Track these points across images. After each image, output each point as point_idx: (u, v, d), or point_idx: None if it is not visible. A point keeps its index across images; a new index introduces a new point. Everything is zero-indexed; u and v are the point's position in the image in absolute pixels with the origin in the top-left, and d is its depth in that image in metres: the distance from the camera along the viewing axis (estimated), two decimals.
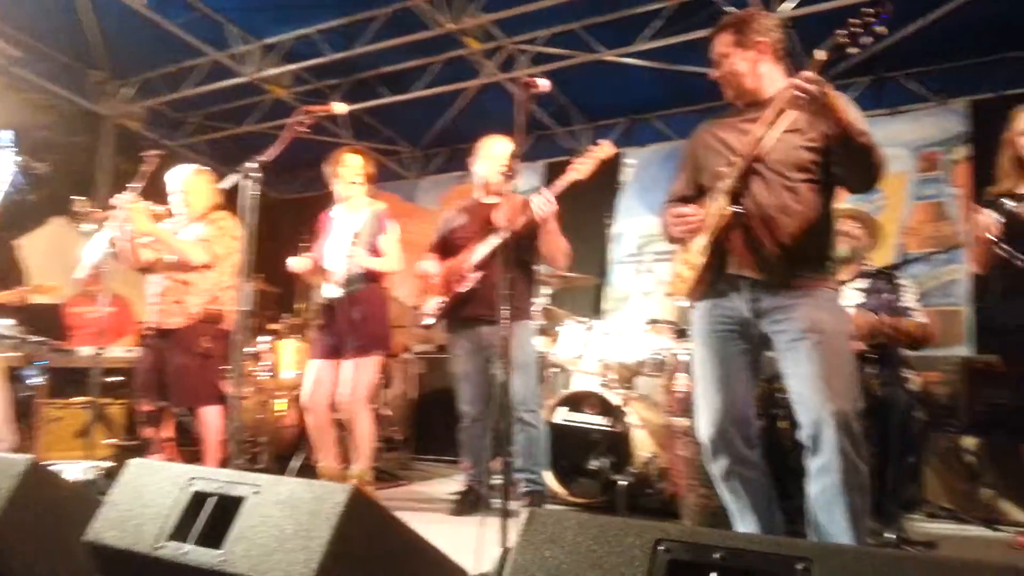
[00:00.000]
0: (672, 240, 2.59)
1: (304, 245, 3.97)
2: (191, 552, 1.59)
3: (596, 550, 1.32)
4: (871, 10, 1.96)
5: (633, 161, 3.42)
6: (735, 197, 2.33)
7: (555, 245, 3.55)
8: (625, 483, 2.99)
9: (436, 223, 3.96)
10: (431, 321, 3.73)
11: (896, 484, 3.10)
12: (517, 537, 1.37)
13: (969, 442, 3.74)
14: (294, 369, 4.93)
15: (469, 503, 3.67)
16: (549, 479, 3.78)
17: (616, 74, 6.44)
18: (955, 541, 3.19)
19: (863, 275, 3.59)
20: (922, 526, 3.45)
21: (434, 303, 3.71)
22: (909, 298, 3.49)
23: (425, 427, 5.59)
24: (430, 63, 6.08)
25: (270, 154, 3.01)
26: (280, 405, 4.83)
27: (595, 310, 6.02)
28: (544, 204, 3.37)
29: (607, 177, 3.35)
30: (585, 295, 6.22)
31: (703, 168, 2.51)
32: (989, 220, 2.93)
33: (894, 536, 2.96)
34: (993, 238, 2.91)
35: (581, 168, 3.34)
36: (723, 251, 2.36)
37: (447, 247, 3.79)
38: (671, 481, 3.44)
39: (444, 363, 5.02)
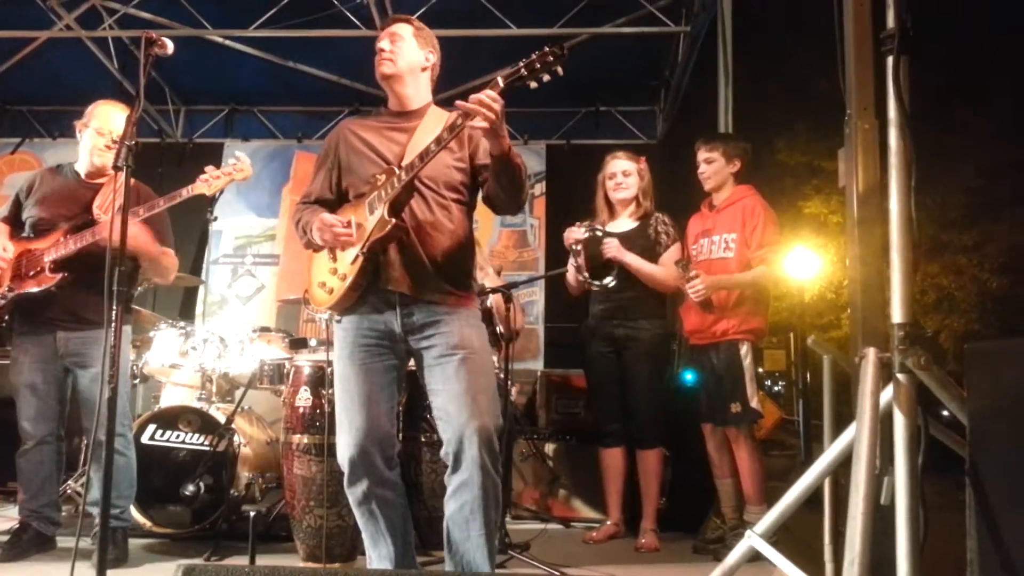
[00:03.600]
0: (313, 247, 2.42)
1: None
2: None
3: None
4: (556, 50, 2.00)
5: (240, 154, 3.14)
6: (396, 209, 2.25)
7: (169, 264, 3.13)
8: (254, 514, 2.67)
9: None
10: None
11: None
12: None
13: (550, 448, 4.17)
14: None
15: (24, 544, 2.99)
16: (132, 510, 3.24)
17: (219, 58, 5.98)
18: (542, 540, 3.50)
19: (479, 293, 3.78)
20: (511, 528, 3.73)
21: None
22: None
23: None
24: None
25: None
26: None
27: (184, 314, 5.40)
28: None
29: (216, 164, 3.04)
30: (172, 296, 5.55)
31: (350, 172, 2.41)
32: (576, 233, 3.50)
33: (498, 541, 3.12)
34: (576, 247, 3.47)
35: (214, 183, 2.92)
36: (378, 264, 2.28)
37: (22, 224, 3.08)
38: (285, 502, 3.19)
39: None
